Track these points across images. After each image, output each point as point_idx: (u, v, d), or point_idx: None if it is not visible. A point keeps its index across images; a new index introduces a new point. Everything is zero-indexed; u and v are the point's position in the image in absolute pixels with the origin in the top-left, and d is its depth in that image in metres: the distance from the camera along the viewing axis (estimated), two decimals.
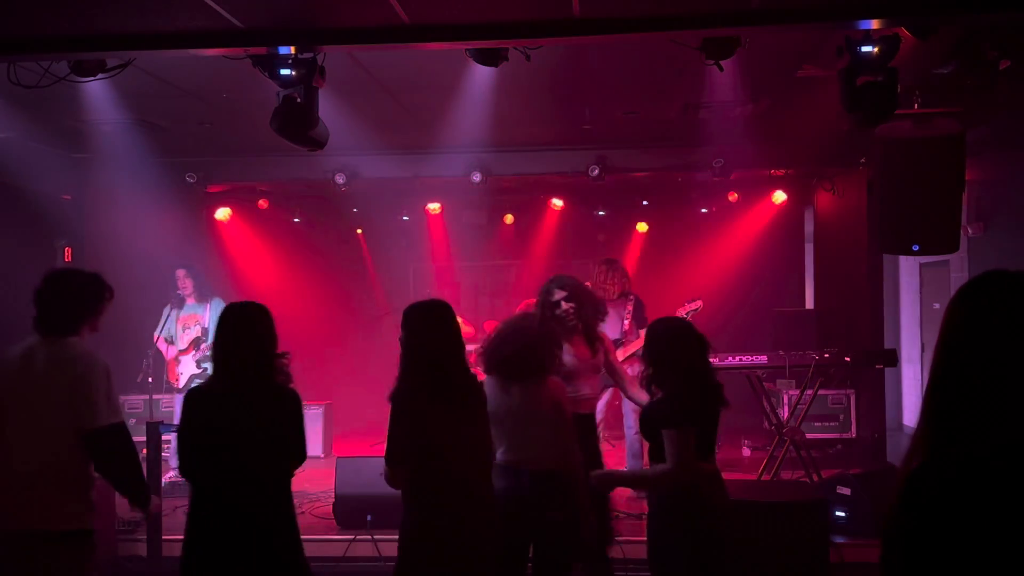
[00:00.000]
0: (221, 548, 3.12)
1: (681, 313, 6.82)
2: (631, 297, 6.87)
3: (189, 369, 7.14)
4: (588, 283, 6.84)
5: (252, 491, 3.11)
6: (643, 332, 6.89)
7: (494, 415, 3.51)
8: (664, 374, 3.43)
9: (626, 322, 6.61)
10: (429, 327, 3.31)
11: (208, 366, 7.13)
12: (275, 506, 3.18)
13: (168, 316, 7.22)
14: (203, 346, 7.09)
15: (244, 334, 3.28)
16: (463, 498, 3.19)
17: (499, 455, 3.55)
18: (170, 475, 6.94)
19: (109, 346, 8.12)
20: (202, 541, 3.17)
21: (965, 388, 1.48)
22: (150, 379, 7.19)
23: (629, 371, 5.39)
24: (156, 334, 7.30)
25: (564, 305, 4.33)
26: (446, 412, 3.21)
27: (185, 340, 7.18)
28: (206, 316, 7.20)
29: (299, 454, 3.26)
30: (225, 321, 3.32)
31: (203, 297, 7.22)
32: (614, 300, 6.80)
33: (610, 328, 5.70)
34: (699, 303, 6.76)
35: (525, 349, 3.68)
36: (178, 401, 7.18)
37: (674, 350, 3.42)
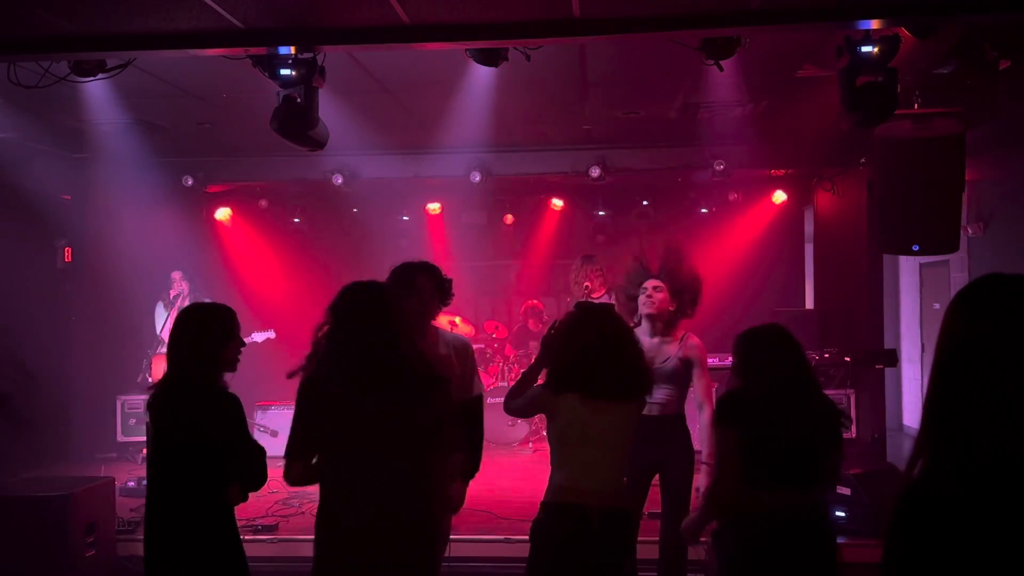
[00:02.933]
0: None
1: None
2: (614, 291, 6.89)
3: None
4: (591, 282, 6.87)
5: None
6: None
7: (564, 436, 3.11)
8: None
9: None
10: (359, 310, 2.90)
11: None
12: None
13: (166, 319, 7.22)
14: None
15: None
16: (385, 493, 2.76)
17: (557, 486, 3.11)
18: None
19: (109, 346, 8.19)
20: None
21: (964, 393, 1.48)
22: (150, 379, 7.19)
23: None
24: (160, 327, 7.27)
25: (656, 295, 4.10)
26: (369, 404, 2.78)
27: None
28: None
29: None
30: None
31: (198, 300, 7.21)
32: (600, 296, 6.82)
33: None
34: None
35: (630, 364, 3.18)
36: None
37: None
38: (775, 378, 3.06)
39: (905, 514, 1.48)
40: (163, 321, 7.19)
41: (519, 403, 3.33)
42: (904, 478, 1.51)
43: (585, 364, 3.09)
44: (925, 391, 1.57)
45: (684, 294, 4.22)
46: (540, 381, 3.32)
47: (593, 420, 3.06)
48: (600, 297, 6.91)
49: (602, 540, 3.01)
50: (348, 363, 2.81)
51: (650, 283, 4.21)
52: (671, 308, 4.17)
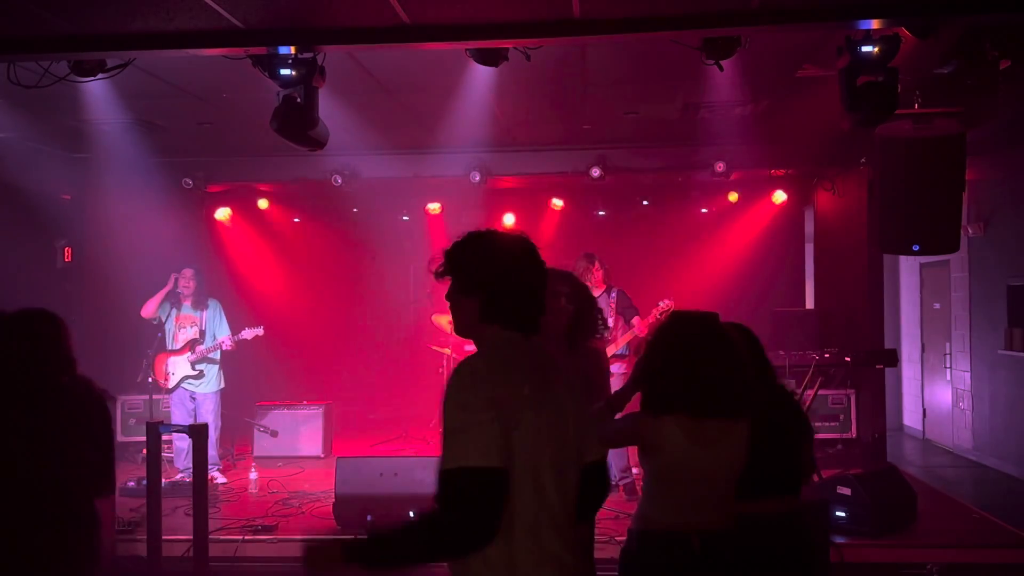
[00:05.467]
0: None
1: (654, 314, 6.86)
2: (613, 290, 6.89)
3: (182, 370, 7.13)
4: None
5: None
6: (635, 322, 6.93)
7: (670, 470, 2.71)
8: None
9: (610, 318, 6.61)
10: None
11: (203, 367, 7.14)
12: None
13: (168, 315, 7.21)
14: (199, 348, 7.09)
15: None
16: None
17: (654, 517, 2.76)
18: (179, 476, 6.95)
19: (109, 346, 8.18)
20: None
21: None
22: (150, 379, 7.19)
23: (615, 371, 5.25)
24: (164, 320, 7.23)
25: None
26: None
27: (181, 340, 7.18)
28: (203, 318, 7.20)
29: None
30: None
31: (199, 302, 7.22)
32: (599, 295, 6.83)
33: None
34: (670, 303, 6.77)
35: (741, 378, 2.77)
36: (174, 401, 7.21)
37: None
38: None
39: None
40: (164, 319, 7.18)
41: (607, 435, 2.82)
42: None
43: (693, 380, 2.71)
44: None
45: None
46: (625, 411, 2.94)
47: (702, 449, 2.68)
48: (600, 295, 6.91)
49: (707, 566, 2.69)
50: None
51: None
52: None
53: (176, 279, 7.17)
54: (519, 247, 2.10)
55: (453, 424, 1.88)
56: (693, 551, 2.66)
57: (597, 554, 2.68)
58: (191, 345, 7.12)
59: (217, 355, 7.19)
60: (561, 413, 2.03)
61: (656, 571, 2.70)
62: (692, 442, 2.67)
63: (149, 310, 7.18)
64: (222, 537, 5.45)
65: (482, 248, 2.09)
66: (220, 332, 7.18)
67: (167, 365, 7.17)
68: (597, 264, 6.89)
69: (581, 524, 2.11)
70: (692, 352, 2.74)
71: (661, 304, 6.87)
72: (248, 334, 7.15)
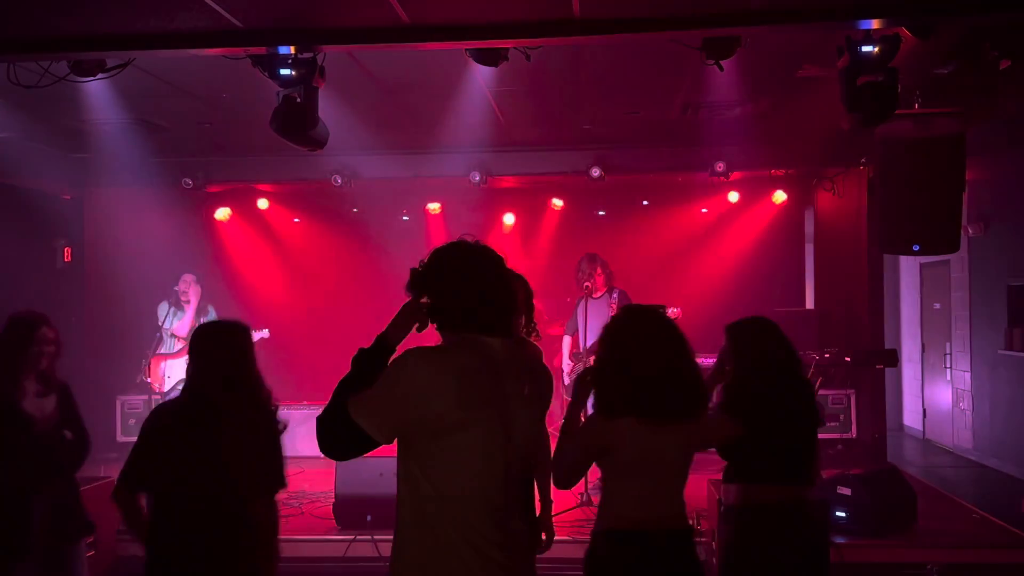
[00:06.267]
0: None
1: None
2: (615, 291, 6.88)
3: (179, 372, 7.14)
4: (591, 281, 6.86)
5: None
6: None
7: (627, 468, 2.74)
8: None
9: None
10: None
11: None
12: None
13: (165, 316, 7.21)
14: None
15: None
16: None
17: (616, 515, 2.79)
18: None
19: (109, 346, 8.18)
20: None
21: None
22: (148, 379, 7.19)
23: None
24: (162, 322, 7.26)
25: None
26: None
27: (178, 345, 7.19)
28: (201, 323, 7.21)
29: None
30: None
31: (201, 307, 7.22)
32: (601, 296, 6.83)
33: (597, 325, 5.65)
34: (678, 311, 6.74)
35: (691, 376, 2.80)
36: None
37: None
38: (771, 368, 3.07)
39: None
40: (165, 316, 7.18)
41: (568, 462, 2.81)
42: None
43: (643, 380, 2.72)
44: None
45: None
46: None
47: (656, 445, 2.71)
48: (601, 296, 6.90)
49: (669, 564, 2.73)
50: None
51: None
52: None
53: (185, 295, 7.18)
54: (471, 258, 2.26)
55: (380, 381, 2.11)
56: (656, 549, 2.70)
57: (560, 554, 2.71)
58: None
59: None
60: (504, 411, 2.14)
61: (622, 571, 2.71)
62: (647, 436, 2.70)
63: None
64: None
65: (432, 262, 2.26)
66: None
67: (163, 368, 7.17)
68: (599, 268, 6.85)
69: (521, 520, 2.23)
70: (641, 354, 2.74)
71: (669, 312, 6.83)
72: (254, 336, 7.16)
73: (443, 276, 2.22)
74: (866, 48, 4.18)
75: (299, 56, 4.43)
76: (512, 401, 2.17)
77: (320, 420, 2.15)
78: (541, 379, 2.43)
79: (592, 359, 5.58)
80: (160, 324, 7.19)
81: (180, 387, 7.43)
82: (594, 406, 2.86)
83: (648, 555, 2.70)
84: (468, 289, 2.19)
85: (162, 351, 7.31)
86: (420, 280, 2.25)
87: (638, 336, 2.78)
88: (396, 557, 2.15)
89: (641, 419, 2.68)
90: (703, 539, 5.37)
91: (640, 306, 3.16)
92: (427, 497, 2.10)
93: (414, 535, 2.12)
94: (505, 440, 2.14)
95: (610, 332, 2.84)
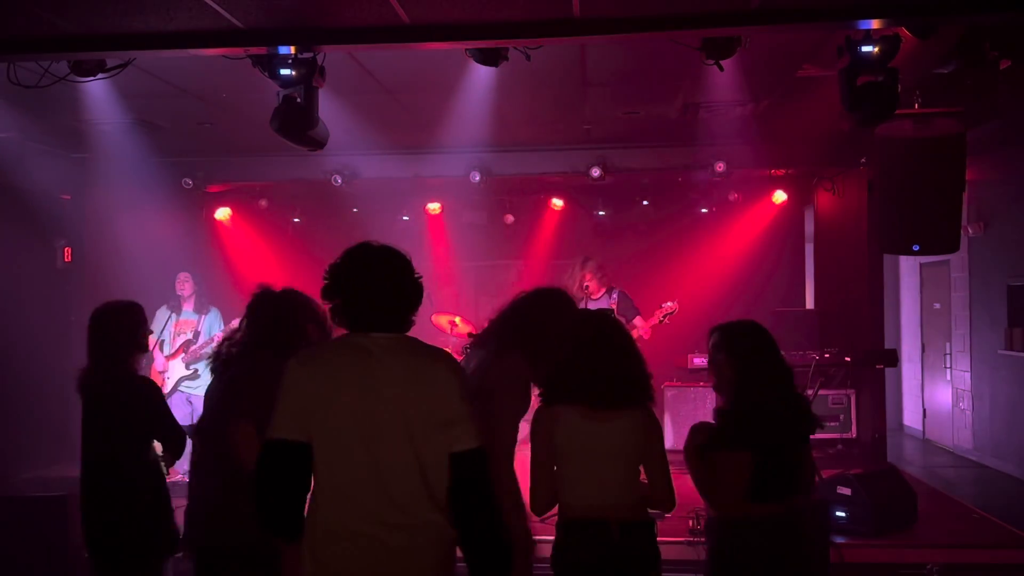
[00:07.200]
0: None
1: (657, 316, 6.84)
2: (614, 291, 6.88)
3: (177, 372, 7.13)
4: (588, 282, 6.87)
5: None
6: (637, 323, 6.91)
7: (565, 451, 2.87)
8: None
9: None
10: None
11: (198, 366, 7.13)
12: None
13: (166, 321, 7.21)
14: (192, 348, 7.09)
15: None
16: None
17: (569, 504, 2.91)
18: (179, 476, 6.94)
19: None
20: None
21: None
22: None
23: None
24: (153, 339, 7.29)
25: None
26: None
27: (176, 345, 7.19)
28: (200, 321, 7.21)
29: None
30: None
31: (200, 306, 7.22)
32: (600, 297, 6.83)
33: None
34: (674, 305, 6.75)
35: (630, 368, 2.97)
36: (172, 405, 7.19)
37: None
38: (770, 383, 3.00)
39: None
40: (163, 327, 7.17)
41: (534, 475, 2.92)
42: None
43: (583, 370, 2.90)
44: None
45: None
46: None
47: (599, 432, 2.85)
48: (599, 297, 6.91)
49: (626, 555, 2.81)
50: None
51: None
52: None
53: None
54: (364, 259, 2.47)
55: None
56: (612, 539, 2.80)
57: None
58: (185, 346, 7.13)
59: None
60: (381, 399, 2.29)
61: (578, 559, 2.83)
62: (586, 418, 2.86)
63: (155, 353, 7.21)
64: None
65: (333, 266, 2.48)
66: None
67: (162, 369, 7.17)
68: (589, 273, 6.83)
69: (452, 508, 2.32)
70: (583, 347, 2.94)
71: (665, 306, 6.85)
72: None
73: (339, 279, 2.44)
74: (866, 48, 4.18)
75: (299, 56, 4.42)
76: (374, 395, 2.29)
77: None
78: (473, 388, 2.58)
79: None
80: (160, 330, 7.18)
81: (182, 386, 7.41)
82: (539, 398, 3.03)
83: (598, 544, 2.80)
84: (353, 290, 2.41)
85: (164, 352, 7.30)
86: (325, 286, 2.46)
87: (555, 324, 3.07)
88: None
89: (575, 405, 2.87)
90: (700, 539, 5.36)
91: (550, 289, 3.43)
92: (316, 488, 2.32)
93: (307, 524, 2.31)
94: (370, 435, 2.27)
95: (521, 314, 3.23)
